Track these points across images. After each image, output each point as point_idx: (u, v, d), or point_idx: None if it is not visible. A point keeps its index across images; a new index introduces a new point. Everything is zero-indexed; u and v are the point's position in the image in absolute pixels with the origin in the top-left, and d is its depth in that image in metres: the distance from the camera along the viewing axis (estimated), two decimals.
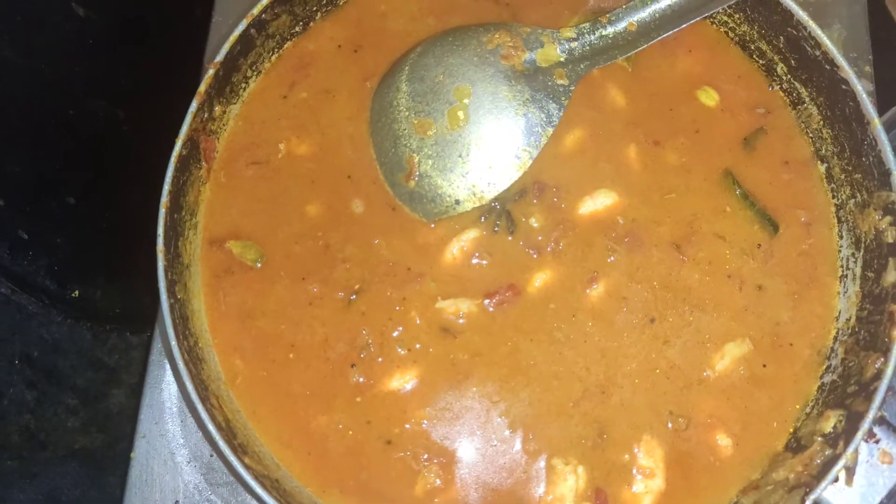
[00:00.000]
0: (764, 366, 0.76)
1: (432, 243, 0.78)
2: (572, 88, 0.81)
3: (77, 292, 0.99)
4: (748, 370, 0.75)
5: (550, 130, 0.80)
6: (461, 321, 0.76)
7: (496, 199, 0.79)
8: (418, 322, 0.75)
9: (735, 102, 0.85)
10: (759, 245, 0.79)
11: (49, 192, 0.95)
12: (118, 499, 0.82)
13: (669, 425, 0.74)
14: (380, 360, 0.75)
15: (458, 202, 0.79)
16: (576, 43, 0.82)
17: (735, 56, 0.87)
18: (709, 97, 0.85)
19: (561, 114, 0.80)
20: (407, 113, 0.80)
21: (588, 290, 0.77)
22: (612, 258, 0.78)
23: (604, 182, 0.81)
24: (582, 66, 0.82)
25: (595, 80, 0.84)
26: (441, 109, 0.79)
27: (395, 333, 0.75)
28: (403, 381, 0.74)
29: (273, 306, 0.77)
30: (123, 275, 1.04)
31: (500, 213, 0.79)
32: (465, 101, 0.79)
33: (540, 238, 0.78)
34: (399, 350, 0.75)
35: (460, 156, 0.79)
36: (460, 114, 0.79)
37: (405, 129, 0.80)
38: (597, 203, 0.80)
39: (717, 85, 0.85)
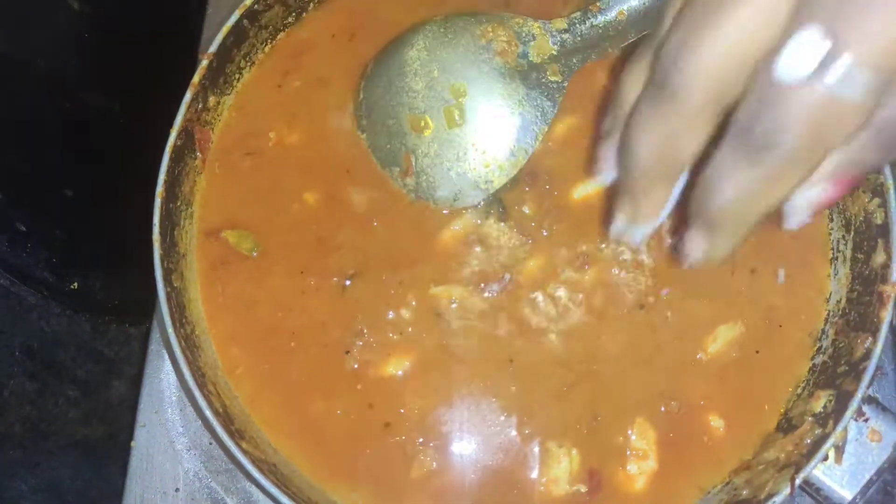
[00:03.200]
0: (757, 351, 0.76)
1: (426, 231, 0.79)
2: (566, 85, 0.81)
3: (76, 284, 1.00)
4: (740, 353, 0.76)
5: (546, 128, 0.80)
6: (454, 306, 0.76)
7: None
8: (412, 308, 0.76)
9: None
10: None
11: (46, 184, 0.95)
12: (119, 487, 0.83)
13: (662, 408, 0.74)
14: (374, 345, 0.75)
15: (455, 199, 0.79)
16: (567, 34, 0.82)
17: None
18: None
19: (555, 111, 0.80)
20: (401, 109, 0.80)
21: (581, 276, 0.78)
22: (605, 244, 0.79)
23: None
24: (575, 61, 0.82)
25: (586, 67, 0.84)
26: (437, 107, 0.79)
27: (389, 317, 0.76)
28: (397, 367, 0.75)
29: (270, 295, 0.78)
30: (122, 266, 1.04)
31: (493, 201, 0.80)
32: (462, 99, 0.79)
33: (533, 224, 0.79)
34: (393, 336, 0.76)
35: (457, 156, 0.79)
36: (457, 113, 0.79)
37: (400, 126, 0.80)
38: (589, 190, 0.80)
39: None
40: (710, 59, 0.43)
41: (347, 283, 0.77)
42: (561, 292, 0.77)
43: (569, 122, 0.83)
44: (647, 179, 0.50)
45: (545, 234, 0.79)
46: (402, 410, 0.74)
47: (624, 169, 0.52)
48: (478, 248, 0.79)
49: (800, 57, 0.40)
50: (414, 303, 0.76)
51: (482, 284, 0.77)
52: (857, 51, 0.38)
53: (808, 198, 0.46)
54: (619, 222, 0.54)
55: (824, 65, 0.39)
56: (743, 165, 0.44)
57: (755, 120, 0.42)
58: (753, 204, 0.46)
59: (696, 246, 0.50)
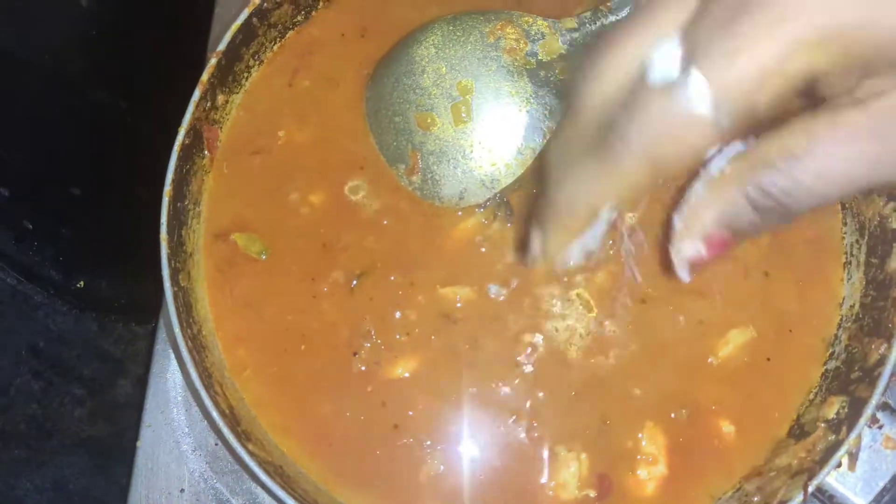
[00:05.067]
0: (768, 359, 0.75)
1: (434, 232, 0.79)
2: None
3: (82, 283, 1.00)
4: (751, 357, 0.75)
5: (554, 126, 0.80)
6: (460, 306, 0.76)
7: None
8: (420, 309, 0.76)
9: None
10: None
11: (53, 182, 0.95)
12: (124, 487, 0.83)
13: (672, 413, 0.74)
14: (382, 347, 0.75)
15: (461, 198, 0.79)
16: (577, 34, 0.81)
17: None
18: None
19: (563, 109, 0.80)
20: (408, 106, 0.80)
21: (589, 278, 0.77)
22: (613, 243, 0.78)
23: None
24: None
25: None
26: (444, 105, 0.79)
27: (397, 317, 0.75)
28: (405, 369, 0.74)
29: (278, 297, 0.78)
30: (128, 266, 1.04)
31: (500, 203, 0.79)
32: (469, 96, 0.78)
33: None
34: (400, 337, 0.75)
35: (463, 153, 0.78)
36: (463, 110, 0.78)
37: (407, 124, 0.79)
38: None
39: None
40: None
41: (354, 282, 0.77)
42: (569, 294, 0.76)
43: None
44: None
45: None
46: (410, 412, 0.73)
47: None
48: (484, 249, 0.78)
49: (662, 62, 0.41)
50: (421, 305, 0.76)
51: (490, 286, 0.76)
52: (706, 67, 0.38)
53: (681, 252, 0.46)
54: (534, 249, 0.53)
55: (681, 73, 0.39)
56: (588, 160, 0.45)
57: (618, 117, 0.43)
58: (583, 196, 0.46)
59: (535, 238, 0.52)
